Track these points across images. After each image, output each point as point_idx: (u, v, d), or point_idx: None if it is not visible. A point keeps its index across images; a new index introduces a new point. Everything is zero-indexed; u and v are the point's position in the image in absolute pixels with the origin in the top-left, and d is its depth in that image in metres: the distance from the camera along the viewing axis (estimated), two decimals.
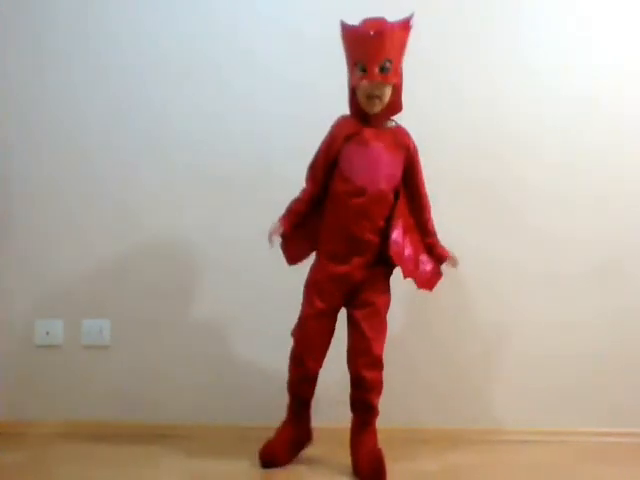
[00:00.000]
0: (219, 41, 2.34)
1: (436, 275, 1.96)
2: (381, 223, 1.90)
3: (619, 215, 2.35)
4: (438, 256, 1.96)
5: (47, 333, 2.32)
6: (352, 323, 1.92)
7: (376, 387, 1.90)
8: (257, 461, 1.91)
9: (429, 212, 1.98)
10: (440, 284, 2.26)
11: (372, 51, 1.80)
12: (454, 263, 1.96)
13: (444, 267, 1.97)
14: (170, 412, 2.29)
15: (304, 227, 1.94)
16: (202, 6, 2.35)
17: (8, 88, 2.35)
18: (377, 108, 1.85)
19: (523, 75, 2.35)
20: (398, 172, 1.91)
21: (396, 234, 1.89)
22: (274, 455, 1.91)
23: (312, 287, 1.91)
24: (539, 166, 2.34)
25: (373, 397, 1.90)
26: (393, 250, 1.89)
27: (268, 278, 2.24)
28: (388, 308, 1.94)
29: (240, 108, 2.34)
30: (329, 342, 1.93)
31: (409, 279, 1.92)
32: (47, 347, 2.32)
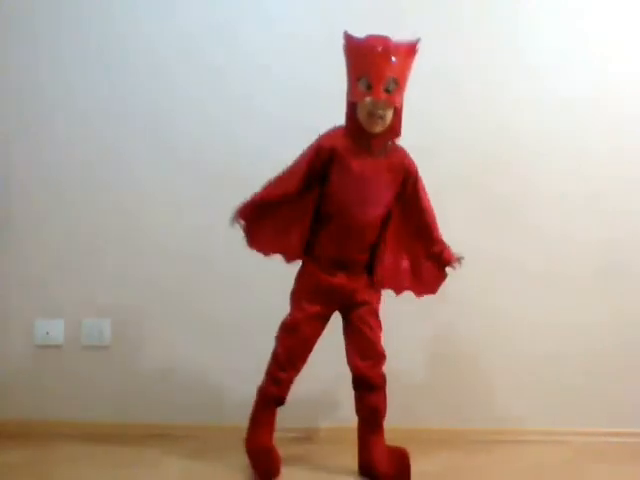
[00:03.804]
0: (220, 42, 2.34)
1: (438, 279, 1.94)
2: (371, 241, 1.89)
3: (620, 215, 2.35)
4: (444, 262, 1.93)
5: (47, 333, 2.32)
6: (350, 325, 1.92)
7: (383, 386, 1.89)
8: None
9: (434, 224, 1.92)
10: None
11: (379, 67, 1.72)
12: (458, 263, 1.93)
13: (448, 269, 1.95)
14: (170, 412, 2.30)
15: (269, 219, 1.88)
16: (204, 7, 2.35)
17: (8, 88, 2.34)
18: (378, 128, 1.78)
19: (523, 75, 2.35)
20: (391, 197, 1.87)
21: (381, 260, 1.90)
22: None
23: (300, 293, 1.90)
24: (539, 166, 2.34)
25: (382, 398, 1.89)
26: (376, 279, 1.91)
27: (269, 279, 2.24)
28: (380, 302, 1.95)
29: (241, 109, 2.34)
30: (313, 347, 1.91)
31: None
32: (47, 347, 2.32)
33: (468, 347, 2.32)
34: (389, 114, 1.77)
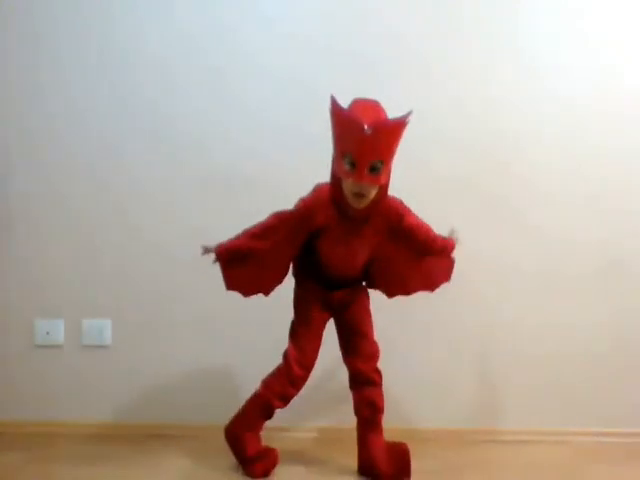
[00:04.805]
0: (220, 42, 2.34)
1: (447, 266, 1.95)
2: (361, 268, 1.92)
3: (619, 215, 2.35)
4: (447, 251, 1.93)
5: (47, 333, 2.32)
6: (344, 323, 1.94)
7: (380, 382, 1.91)
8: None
9: (432, 236, 1.90)
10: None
11: (364, 149, 1.64)
12: (455, 238, 1.94)
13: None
14: (170, 412, 2.30)
15: (245, 264, 1.87)
16: (204, 7, 2.35)
17: (8, 88, 2.34)
18: (362, 205, 1.74)
19: (523, 75, 2.35)
20: (375, 245, 1.87)
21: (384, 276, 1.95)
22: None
23: (302, 310, 1.92)
24: (539, 166, 2.34)
25: (379, 393, 1.90)
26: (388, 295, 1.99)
27: None
28: (369, 297, 1.98)
29: (241, 109, 2.34)
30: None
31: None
32: (47, 347, 2.32)
33: (467, 347, 2.32)
34: (373, 192, 1.73)
